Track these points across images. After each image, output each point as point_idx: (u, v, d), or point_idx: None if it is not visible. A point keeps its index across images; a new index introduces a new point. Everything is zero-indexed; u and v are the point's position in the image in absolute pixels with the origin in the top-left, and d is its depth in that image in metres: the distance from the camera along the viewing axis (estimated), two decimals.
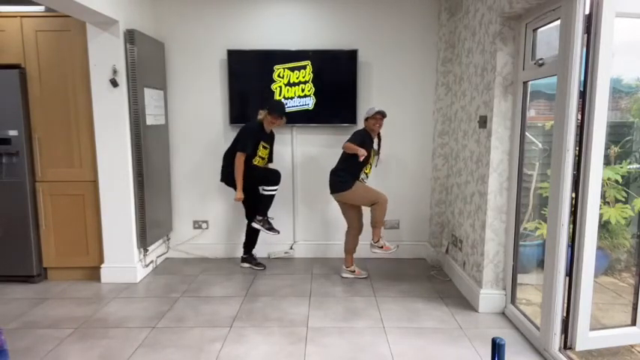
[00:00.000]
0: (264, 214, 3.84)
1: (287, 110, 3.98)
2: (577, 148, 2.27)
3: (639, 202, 3.31)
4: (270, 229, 3.83)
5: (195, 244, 4.30)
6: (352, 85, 3.99)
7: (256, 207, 3.83)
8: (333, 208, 4.01)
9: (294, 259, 4.27)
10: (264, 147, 3.76)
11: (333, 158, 3.73)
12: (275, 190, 3.80)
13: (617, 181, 3.33)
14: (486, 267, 3.06)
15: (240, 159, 3.62)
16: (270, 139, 3.84)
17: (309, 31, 4.06)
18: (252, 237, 4.00)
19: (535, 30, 2.75)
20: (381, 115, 3.52)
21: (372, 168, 3.75)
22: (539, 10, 2.59)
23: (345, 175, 3.58)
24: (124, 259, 3.61)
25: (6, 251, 3.55)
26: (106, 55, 3.38)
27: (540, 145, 3.62)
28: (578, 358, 2.50)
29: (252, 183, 3.74)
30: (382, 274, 3.86)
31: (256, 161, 3.75)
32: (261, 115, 3.73)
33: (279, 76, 3.99)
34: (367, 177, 3.73)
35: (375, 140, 3.67)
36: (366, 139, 3.54)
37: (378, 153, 3.71)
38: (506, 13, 2.80)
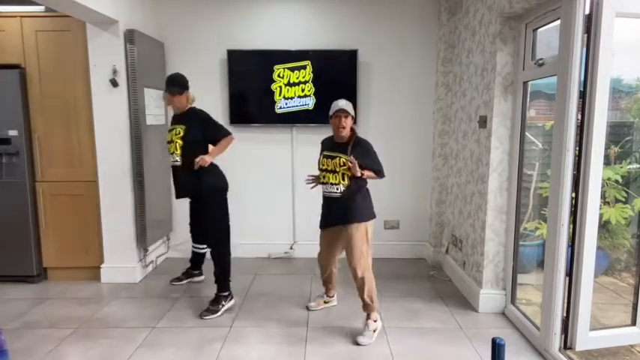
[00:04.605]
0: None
1: (287, 110, 3.99)
2: (577, 148, 2.27)
3: (639, 202, 3.31)
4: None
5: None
6: (352, 85, 3.99)
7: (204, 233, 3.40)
8: None
9: (294, 259, 4.27)
10: (170, 131, 3.13)
11: None
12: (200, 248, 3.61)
13: (617, 181, 3.33)
14: (486, 267, 3.06)
15: None
16: (180, 121, 3.07)
17: (309, 31, 4.06)
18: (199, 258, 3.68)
19: (535, 30, 2.75)
20: (343, 112, 2.64)
21: (344, 177, 2.68)
22: (539, 10, 2.59)
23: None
24: (123, 259, 3.61)
25: (6, 251, 3.54)
26: (106, 55, 3.38)
27: (540, 145, 3.62)
28: (578, 358, 2.50)
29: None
30: (382, 274, 3.85)
31: (171, 149, 3.08)
32: None
33: (279, 76, 3.99)
34: (333, 186, 2.72)
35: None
36: (322, 146, 2.86)
37: (350, 155, 2.63)
38: (506, 13, 2.80)
